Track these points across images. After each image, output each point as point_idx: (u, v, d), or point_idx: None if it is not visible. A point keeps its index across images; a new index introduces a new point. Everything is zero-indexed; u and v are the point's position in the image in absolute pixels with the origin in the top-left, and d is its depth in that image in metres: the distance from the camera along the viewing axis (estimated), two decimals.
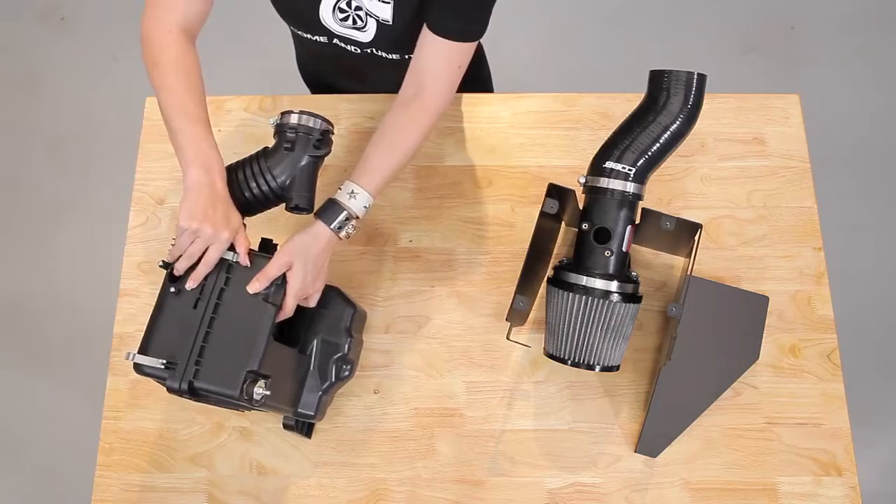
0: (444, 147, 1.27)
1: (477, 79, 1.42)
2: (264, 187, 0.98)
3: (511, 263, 1.20)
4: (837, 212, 2.14)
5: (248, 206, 1.00)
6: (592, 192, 1.02)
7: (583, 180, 1.04)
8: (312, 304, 1.02)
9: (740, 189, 1.24)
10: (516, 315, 1.00)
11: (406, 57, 1.12)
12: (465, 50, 1.02)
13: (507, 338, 1.01)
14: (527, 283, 1.01)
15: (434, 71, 1.03)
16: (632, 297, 1.01)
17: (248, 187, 0.98)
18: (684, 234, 1.05)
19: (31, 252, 2.20)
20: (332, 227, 0.98)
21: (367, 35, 1.08)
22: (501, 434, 1.12)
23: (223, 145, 1.27)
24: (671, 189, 1.24)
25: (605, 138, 1.03)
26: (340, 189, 1.00)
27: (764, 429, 1.12)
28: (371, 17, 1.05)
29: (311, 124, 0.99)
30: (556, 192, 1.03)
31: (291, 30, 1.19)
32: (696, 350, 1.11)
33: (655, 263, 1.20)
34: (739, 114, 1.29)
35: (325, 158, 1.03)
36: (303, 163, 0.99)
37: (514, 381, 1.15)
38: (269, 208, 1.02)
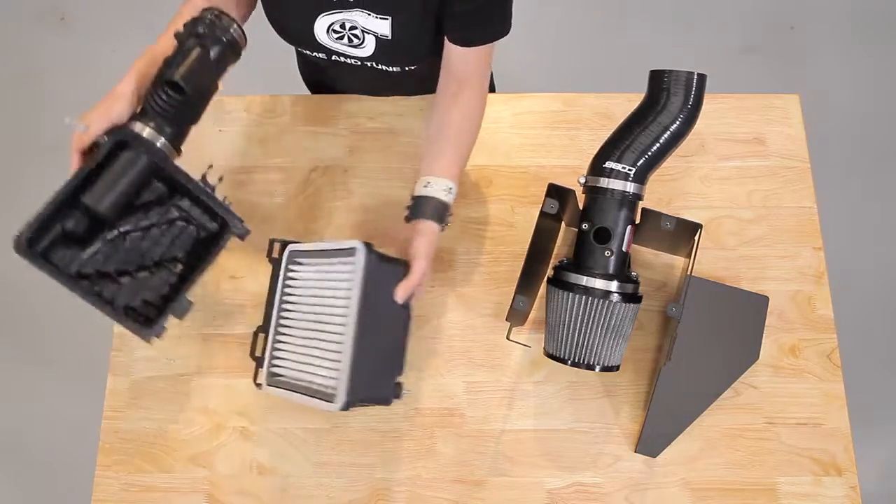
0: None
1: None
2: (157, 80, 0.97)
3: (511, 263, 1.20)
4: (837, 212, 2.14)
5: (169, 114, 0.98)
6: (592, 192, 1.02)
7: (583, 180, 1.04)
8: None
9: (740, 189, 1.24)
10: (516, 315, 1.00)
11: (407, 69, 1.13)
12: (492, 47, 1.05)
13: (507, 338, 1.01)
14: (527, 283, 1.01)
15: (469, 73, 1.06)
16: (632, 297, 1.01)
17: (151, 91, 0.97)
18: (684, 234, 1.05)
19: None
20: (441, 225, 1.03)
21: (365, 51, 1.08)
22: (501, 434, 1.12)
23: (224, 145, 1.28)
24: (671, 189, 1.24)
25: (605, 138, 1.03)
26: (432, 185, 1.03)
27: (764, 429, 1.12)
28: (368, 34, 1.05)
29: (207, 18, 0.98)
30: (556, 192, 1.03)
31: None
32: (696, 350, 1.11)
33: (655, 263, 1.20)
34: (739, 114, 1.29)
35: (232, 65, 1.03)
36: (191, 49, 0.97)
37: (514, 381, 1.15)
38: (190, 110, 1.00)
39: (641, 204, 1.03)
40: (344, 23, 1.04)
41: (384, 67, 1.13)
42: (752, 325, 1.13)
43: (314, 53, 1.13)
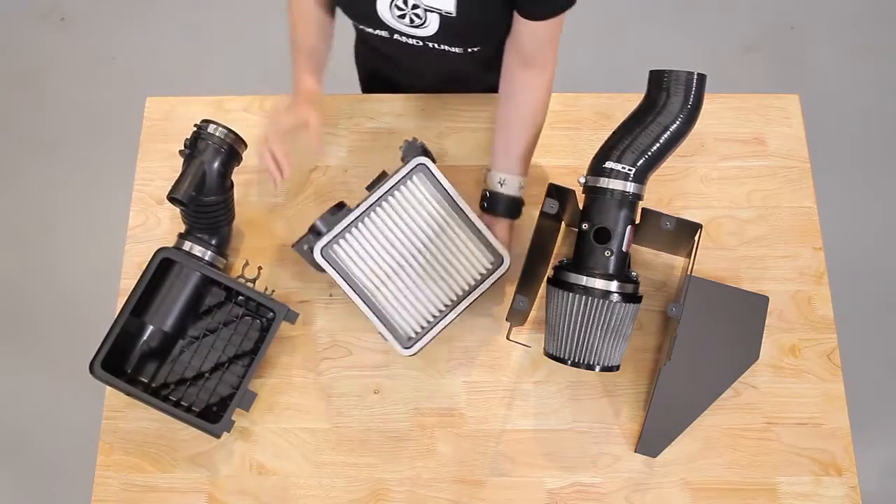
0: (444, 147, 1.27)
1: None
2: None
3: (511, 263, 1.20)
4: (837, 212, 2.14)
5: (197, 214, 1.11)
6: (592, 192, 1.02)
7: (583, 180, 1.04)
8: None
9: (740, 189, 1.24)
10: (516, 315, 1.00)
11: (469, 50, 1.12)
12: (562, 20, 1.06)
13: (507, 338, 1.01)
14: (527, 283, 1.01)
15: (538, 48, 1.08)
16: (632, 297, 1.01)
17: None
18: (684, 234, 1.05)
19: (31, 252, 2.20)
20: (515, 219, 1.14)
21: (427, 30, 1.07)
22: (501, 434, 1.12)
23: None
24: (671, 189, 1.24)
25: (605, 138, 1.03)
26: (507, 183, 1.11)
27: (764, 429, 1.12)
28: (431, 12, 1.04)
29: (209, 130, 1.09)
30: (556, 192, 1.03)
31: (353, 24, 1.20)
32: (696, 350, 1.11)
33: (655, 263, 1.20)
34: (739, 114, 1.29)
35: (225, 165, 1.10)
36: (193, 165, 1.07)
37: (514, 381, 1.15)
38: (215, 215, 1.12)
39: (641, 204, 1.03)
40: (406, 0, 1.04)
41: (446, 48, 1.12)
42: (752, 325, 1.13)
43: (376, 31, 1.12)
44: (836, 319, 1.17)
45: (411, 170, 1.06)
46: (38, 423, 2.04)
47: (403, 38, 1.11)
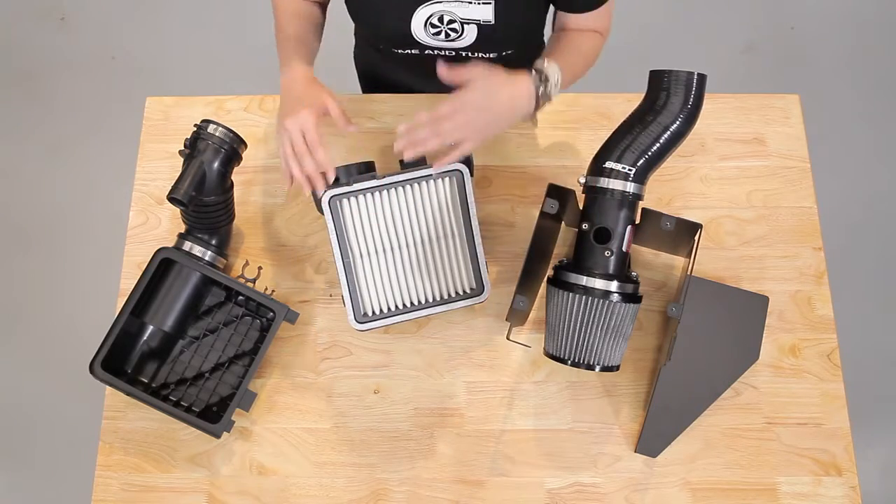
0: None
1: None
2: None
3: (511, 263, 1.20)
4: (837, 212, 2.14)
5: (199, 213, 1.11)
6: (592, 192, 1.02)
7: (583, 180, 1.04)
8: (461, 152, 0.97)
9: (740, 189, 1.24)
10: (516, 315, 1.00)
11: (504, 54, 1.10)
12: (611, 4, 1.05)
13: (507, 338, 1.01)
14: (527, 283, 1.01)
15: (587, 27, 1.08)
16: (632, 297, 1.01)
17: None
18: (684, 234, 1.05)
19: (30, 252, 2.20)
20: (531, 76, 0.98)
21: (464, 42, 1.06)
22: (501, 434, 1.12)
23: None
24: (671, 189, 1.24)
25: (605, 138, 1.03)
26: (548, 64, 0.99)
27: (764, 429, 1.12)
28: (468, 24, 1.03)
29: (209, 130, 1.08)
30: (556, 192, 1.03)
31: (372, 45, 1.17)
32: (696, 350, 1.11)
33: (655, 263, 1.20)
34: (739, 114, 1.29)
35: (225, 166, 1.09)
36: (193, 165, 1.07)
37: (514, 381, 1.15)
38: (215, 215, 1.12)
39: (641, 204, 1.03)
40: (442, 16, 1.02)
41: (481, 55, 1.10)
42: (752, 325, 1.13)
43: (406, 51, 1.11)
44: (836, 319, 1.17)
45: (448, 171, 1.07)
46: (38, 423, 2.04)
47: (434, 52, 1.10)
